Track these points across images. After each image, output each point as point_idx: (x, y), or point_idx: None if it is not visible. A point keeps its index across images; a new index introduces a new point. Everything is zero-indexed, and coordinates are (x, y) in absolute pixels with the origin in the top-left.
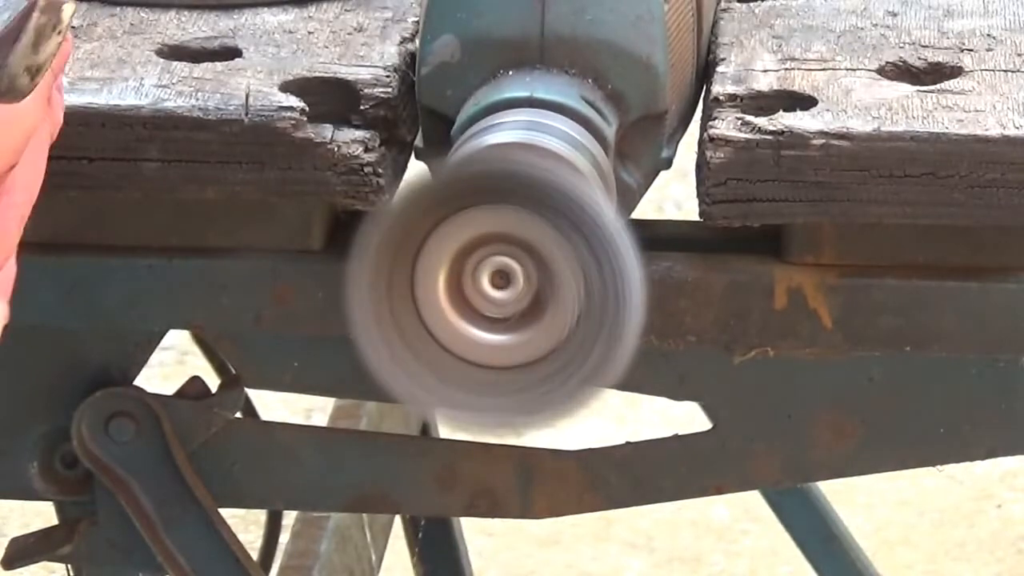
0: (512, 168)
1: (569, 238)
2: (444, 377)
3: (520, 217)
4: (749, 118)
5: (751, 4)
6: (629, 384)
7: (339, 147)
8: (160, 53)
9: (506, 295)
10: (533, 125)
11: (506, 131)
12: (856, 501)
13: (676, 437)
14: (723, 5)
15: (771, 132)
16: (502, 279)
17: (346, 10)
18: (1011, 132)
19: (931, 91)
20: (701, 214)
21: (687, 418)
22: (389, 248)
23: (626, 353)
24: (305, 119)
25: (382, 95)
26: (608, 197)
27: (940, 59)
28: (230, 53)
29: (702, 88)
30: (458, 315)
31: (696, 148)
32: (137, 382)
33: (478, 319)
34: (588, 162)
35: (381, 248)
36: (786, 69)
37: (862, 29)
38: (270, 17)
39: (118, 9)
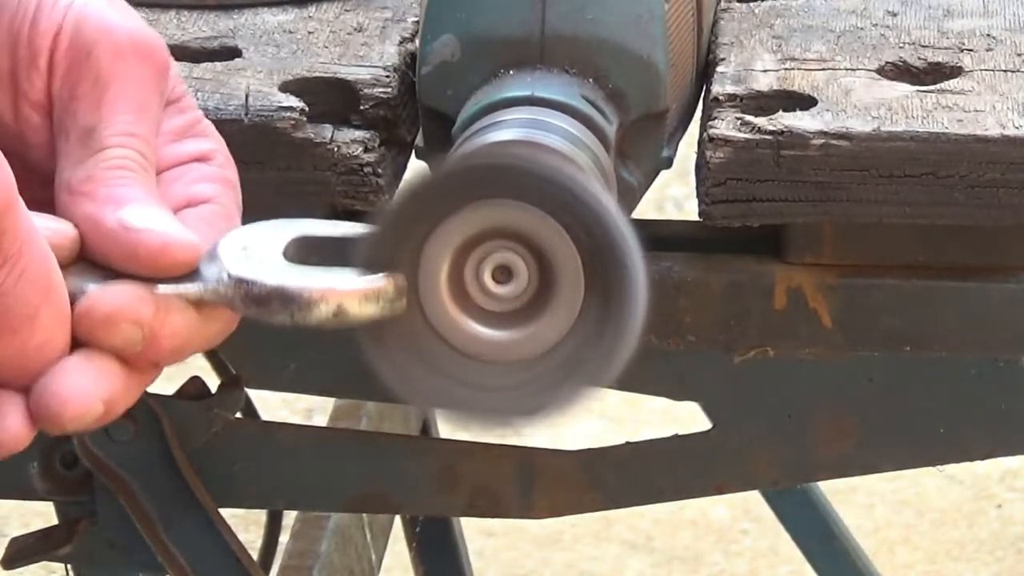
0: (515, 163)
1: (572, 234)
2: (445, 372)
3: (523, 213)
4: (749, 118)
5: (751, 4)
6: (629, 384)
7: (339, 147)
8: None
9: (508, 290)
10: (534, 123)
11: (507, 129)
12: (856, 501)
13: (676, 437)
14: (723, 5)
15: (771, 132)
16: (504, 274)
17: (346, 10)
18: (1011, 132)
19: (931, 91)
20: (701, 214)
21: (687, 418)
22: (391, 245)
23: (627, 350)
24: (305, 119)
25: (382, 95)
26: (610, 195)
27: (940, 59)
28: (230, 53)
29: (702, 88)
30: (460, 310)
31: (696, 148)
32: None
33: (480, 314)
34: (589, 160)
35: (383, 245)
36: (786, 69)
37: (862, 29)
38: (270, 17)
39: None
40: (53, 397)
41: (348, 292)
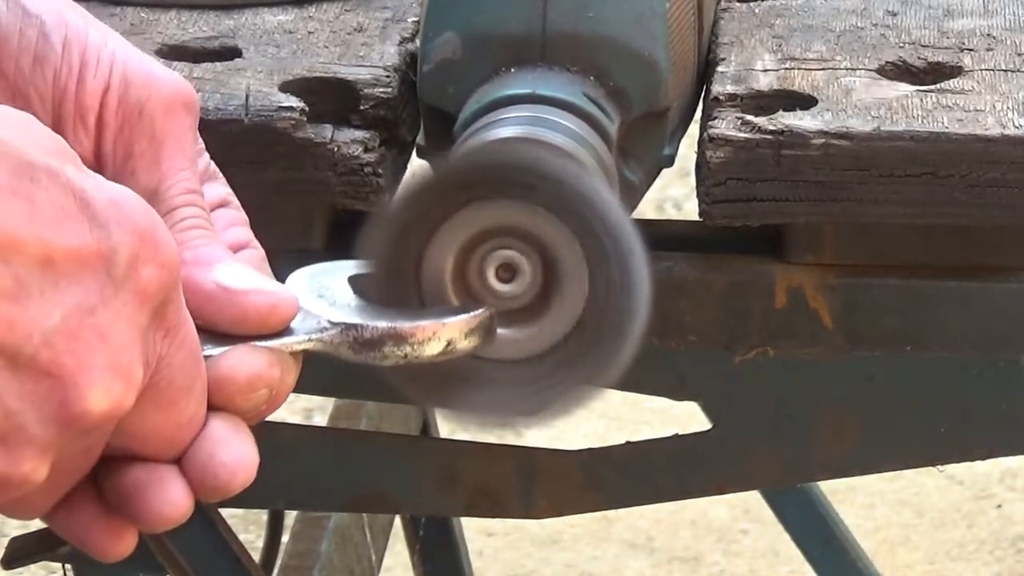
0: (519, 162)
1: (576, 232)
2: (447, 370)
3: (527, 211)
4: (749, 118)
5: (751, 4)
6: (629, 384)
7: (339, 147)
8: (160, 53)
9: (512, 288)
10: (536, 120)
11: (509, 126)
12: (856, 501)
13: (676, 437)
14: (723, 5)
15: (771, 132)
16: (507, 272)
17: (346, 10)
18: (1011, 131)
19: (931, 91)
20: (701, 214)
21: (687, 418)
22: (394, 242)
23: (630, 351)
24: (305, 119)
25: (382, 95)
26: (613, 193)
27: (940, 59)
28: (230, 53)
29: (702, 87)
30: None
31: (696, 147)
32: None
33: None
34: (592, 157)
35: (386, 243)
36: (786, 69)
37: (862, 29)
38: (270, 17)
39: (118, 9)
40: (223, 467)
41: (454, 325)
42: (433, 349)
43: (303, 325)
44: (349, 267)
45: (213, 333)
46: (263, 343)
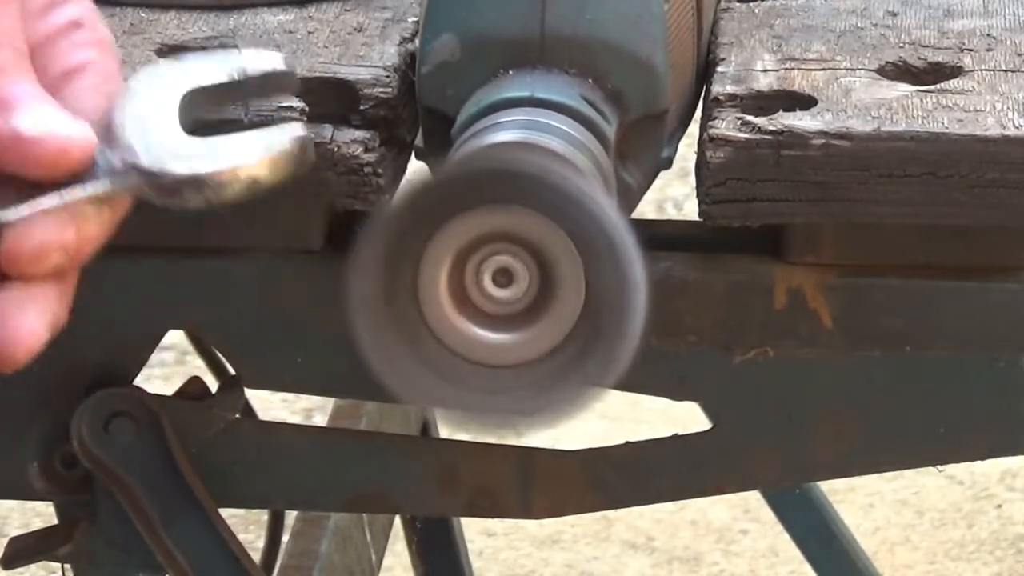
0: (516, 168)
1: (572, 237)
2: (445, 375)
3: (524, 217)
4: (749, 118)
5: (751, 4)
6: (629, 384)
7: (339, 147)
8: (160, 53)
9: (508, 293)
10: (533, 124)
11: (506, 130)
12: (856, 501)
13: (676, 437)
14: (723, 5)
15: (771, 132)
16: (504, 277)
17: (346, 10)
18: (1011, 132)
19: (931, 91)
20: (701, 214)
21: (687, 418)
22: (391, 247)
23: (628, 353)
24: (305, 119)
25: (382, 95)
26: (609, 196)
27: (940, 59)
28: None
29: (702, 88)
30: (459, 313)
31: (696, 148)
32: (137, 382)
33: (480, 317)
34: (589, 161)
35: (383, 247)
36: (786, 69)
37: (862, 29)
38: (270, 17)
39: (117, 9)
40: (1, 341)
41: (257, 163)
42: (236, 190)
43: (113, 163)
44: (189, 73)
45: (21, 183)
46: (59, 196)
